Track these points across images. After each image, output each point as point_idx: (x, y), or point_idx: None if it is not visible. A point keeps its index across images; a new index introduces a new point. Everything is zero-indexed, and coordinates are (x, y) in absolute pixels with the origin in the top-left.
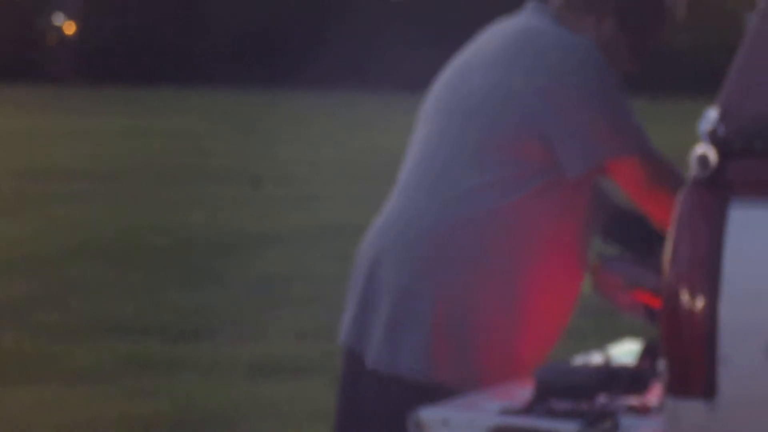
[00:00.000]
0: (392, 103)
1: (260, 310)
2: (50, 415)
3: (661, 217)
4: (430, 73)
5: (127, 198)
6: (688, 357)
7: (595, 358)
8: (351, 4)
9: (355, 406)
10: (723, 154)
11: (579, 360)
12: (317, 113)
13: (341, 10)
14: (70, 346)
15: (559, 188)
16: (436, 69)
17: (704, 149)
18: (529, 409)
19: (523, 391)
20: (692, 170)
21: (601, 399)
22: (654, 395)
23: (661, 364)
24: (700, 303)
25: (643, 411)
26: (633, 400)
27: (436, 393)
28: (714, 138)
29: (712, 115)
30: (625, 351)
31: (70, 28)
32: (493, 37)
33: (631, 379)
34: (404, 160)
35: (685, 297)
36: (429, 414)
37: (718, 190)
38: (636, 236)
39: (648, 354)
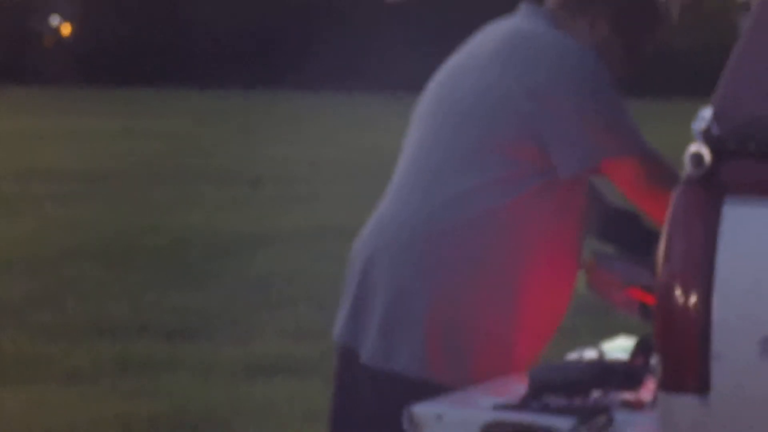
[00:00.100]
0: (392, 103)
1: (258, 310)
2: (47, 415)
3: (659, 215)
4: (429, 73)
5: (125, 198)
6: (682, 353)
7: (589, 354)
8: (351, 5)
9: (349, 404)
10: (717, 153)
11: (572, 356)
12: (317, 113)
13: (341, 10)
14: (67, 346)
15: (554, 189)
16: (435, 69)
17: (698, 148)
18: (523, 405)
19: (518, 387)
20: (686, 169)
21: (595, 394)
22: (648, 391)
23: (655, 360)
24: (693, 300)
25: (637, 406)
26: (627, 396)
27: (430, 391)
28: (708, 137)
29: (706, 114)
30: (619, 347)
31: (66, 29)
32: (487, 38)
33: (625, 375)
34: (398, 161)
35: (679, 294)
36: (423, 410)
37: (711, 189)
38: (630, 234)
39: (642, 350)
